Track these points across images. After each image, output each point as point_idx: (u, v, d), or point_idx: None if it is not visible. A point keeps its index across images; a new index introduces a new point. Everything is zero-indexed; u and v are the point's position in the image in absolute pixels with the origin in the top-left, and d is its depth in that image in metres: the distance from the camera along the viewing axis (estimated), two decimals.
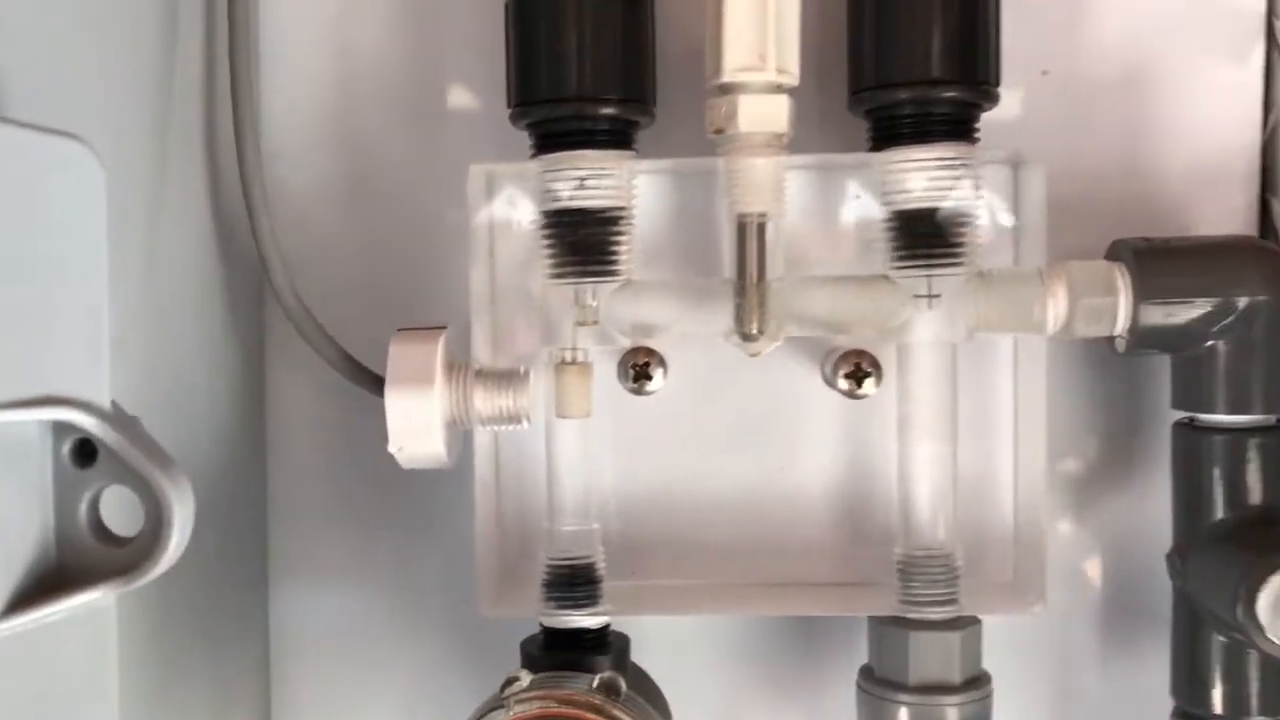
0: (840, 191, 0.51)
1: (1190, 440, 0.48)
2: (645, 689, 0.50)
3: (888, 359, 0.49)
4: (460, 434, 0.49)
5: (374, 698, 0.55)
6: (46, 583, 0.32)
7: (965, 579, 0.48)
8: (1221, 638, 0.47)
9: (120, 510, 0.34)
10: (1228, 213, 0.52)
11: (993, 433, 0.51)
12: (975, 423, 0.50)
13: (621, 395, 0.51)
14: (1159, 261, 0.47)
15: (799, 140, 0.48)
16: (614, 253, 0.48)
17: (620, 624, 0.51)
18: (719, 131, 0.47)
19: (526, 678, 0.46)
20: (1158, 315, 0.47)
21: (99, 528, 0.33)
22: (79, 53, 0.39)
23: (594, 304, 0.48)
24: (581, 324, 0.48)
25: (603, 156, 0.48)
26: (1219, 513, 0.47)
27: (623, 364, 0.49)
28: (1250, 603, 0.44)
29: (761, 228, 0.48)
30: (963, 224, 0.47)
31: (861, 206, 0.50)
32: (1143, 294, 0.47)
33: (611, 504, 0.52)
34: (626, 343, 0.49)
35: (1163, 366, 0.50)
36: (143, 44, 0.44)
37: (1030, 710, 0.53)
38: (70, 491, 0.33)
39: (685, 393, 0.51)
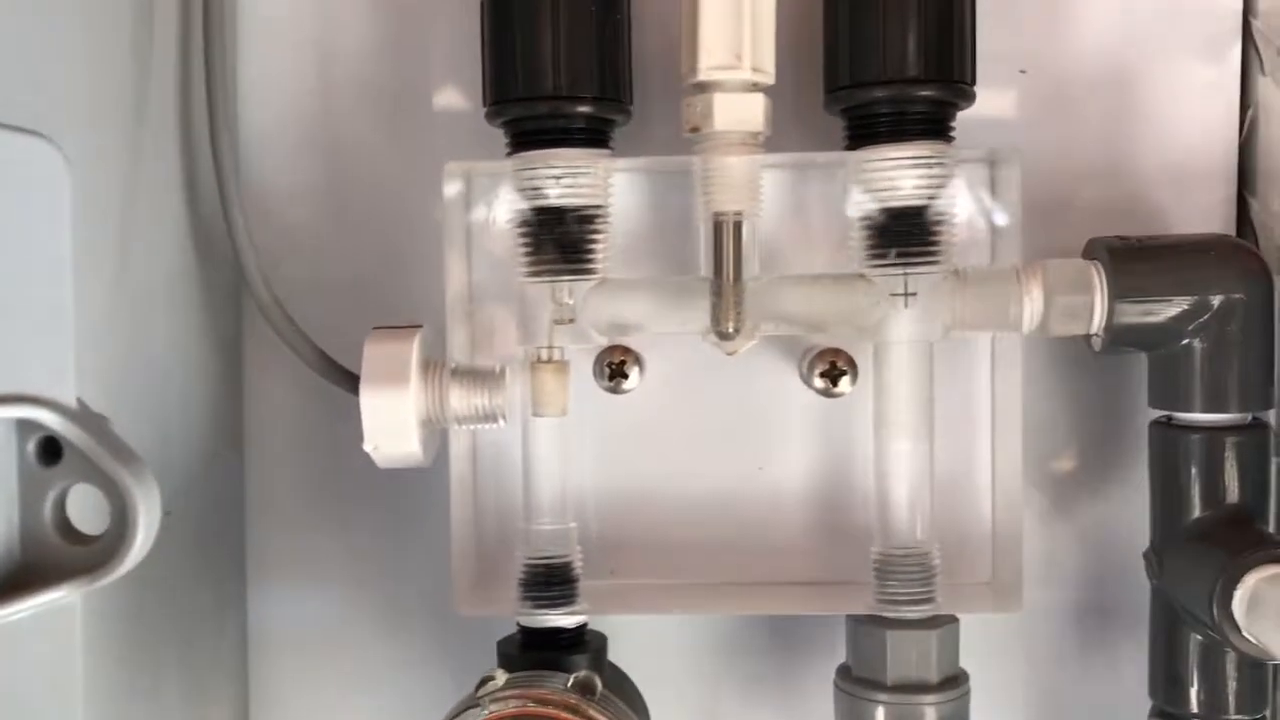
0: (816, 190, 0.51)
1: (1167, 439, 0.48)
2: (623, 688, 0.50)
3: (864, 358, 0.49)
4: (437, 433, 0.49)
5: (351, 696, 0.55)
6: (10, 581, 0.32)
7: (942, 578, 0.48)
8: (1198, 637, 0.47)
9: (87, 509, 0.34)
10: (1205, 211, 0.52)
11: (970, 432, 0.51)
12: (952, 422, 0.50)
13: (598, 394, 0.51)
14: (1134, 260, 0.47)
15: (775, 139, 0.48)
16: (591, 251, 0.48)
17: (598, 623, 0.51)
18: (695, 130, 0.47)
19: (502, 677, 0.46)
20: (1133, 314, 0.47)
21: (64, 526, 0.33)
22: (46, 47, 0.39)
23: (570, 302, 0.48)
24: (558, 322, 0.48)
25: (579, 155, 0.48)
26: (1196, 511, 0.47)
27: (599, 362, 0.49)
28: (1226, 601, 0.44)
29: (738, 226, 0.48)
30: (939, 222, 0.47)
31: (837, 205, 0.50)
32: (1118, 292, 0.47)
33: (589, 503, 0.52)
34: (603, 341, 0.49)
35: (1139, 365, 0.49)
36: (117, 38, 0.44)
37: (1008, 709, 0.53)
38: (35, 490, 0.33)
39: (662, 391, 0.51)
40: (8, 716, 0.33)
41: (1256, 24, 0.51)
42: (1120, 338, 0.47)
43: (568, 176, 0.47)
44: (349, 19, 0.53)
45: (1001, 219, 0.50)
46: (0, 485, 0.32)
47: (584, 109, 0.47)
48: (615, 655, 0.51)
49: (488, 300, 0.51)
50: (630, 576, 0.52)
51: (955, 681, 0.48)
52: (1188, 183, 0.52)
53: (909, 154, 0.47)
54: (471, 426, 0.48)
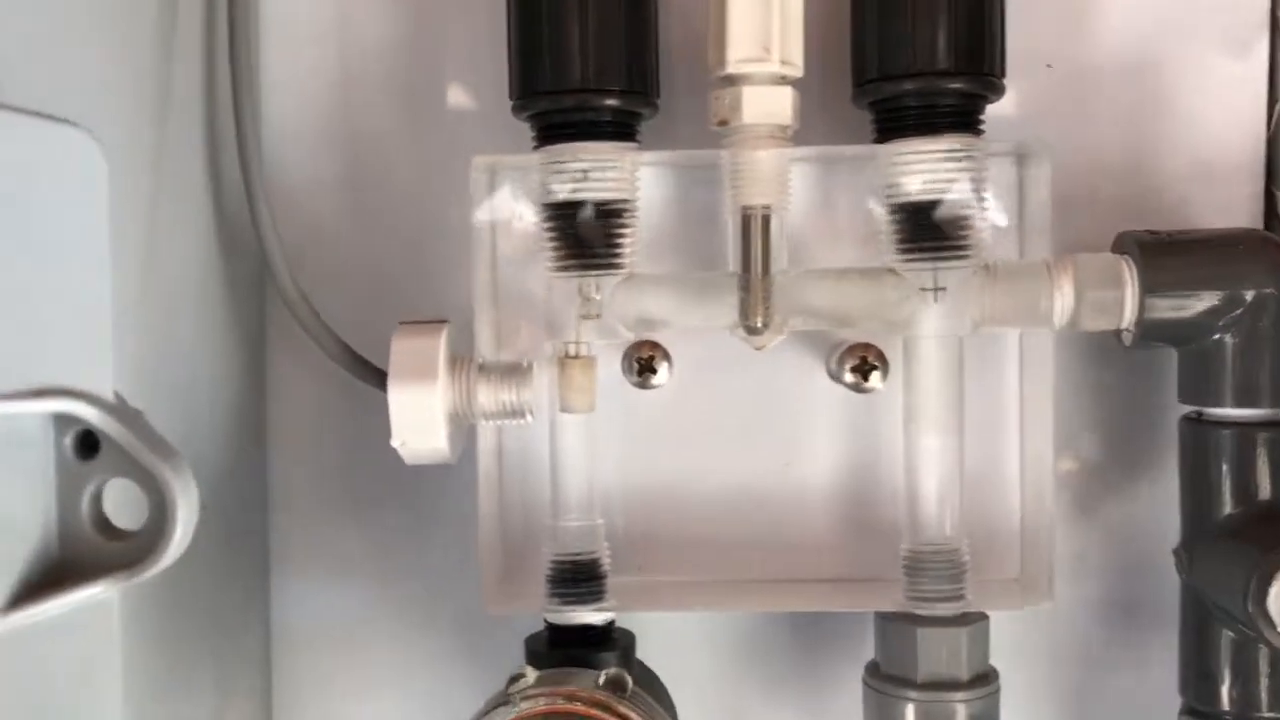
0: (844, 183, 0.51)
1: (1197, 434, 0.48)
2: (651, 685, 0.50)
3: (893, 353, 0.49)
4: (463, 428, 0.49)
5: (376, 693, 0.55)
6: (49, 577, 0.32)
7: (972, 575, 0.48)
8: (1230, 633, 0.47)
9: (123, 503, 0.33)
10: (1232, 206, 0.52)
11: (998, 426, 0.50)
12: (980, 416, 0.50)
13: (625, 389, 0.50)
14: (1165, 254, 0.47)
15: (801, 131, 0.48)
16: (618, 245, 0.48)
17: (624, 620, 0.51)
18: (723, 123, 0.47)
19: (532, 674, 0.45)
20: (1164, 308, 0.47)
21: (102, 521, 0.33)
22: (78, 40, 0.39)
23: (598, 297, 0.48)
24: (585, 318, 0.48)
25: (606, 148, 0.47)
26: (1227, 507, 0.47)
27: (627, 358, 0.48)
28: (1260, 598, 0.43)
29: (766, 220, 0.47)
30: (968, 216, 0.47)
31: (865, 198, 0.50)
32: (1149, 287, 0.47)
33: (616, 499, 0.51)
34: (630, 336, 0.49)
35: (1169, 359, 0.49)
36: (142, 31, 0.44)
37: (1037, 707, 0.53)
38: (72, 484, 0.33)
39: (690, 387, 0.50)
40: (46, 713, 0.32)
41: None
42: (1151, 333, 0.47)
43: (595, 170, 0.47)
44: (372, 14, 0.53)
45: (1001, 219, 0.50)
46: (38, 479, 0.32)
47: (611, 102, 0.47)
48: (641, 652, 0.51)
49: (514, 295, 0.50)
50: (657, 573, 0.51)
51: (985, 679, 0.48)
52: (1214, 177, 0.51)
53: (939, 147, 0.46)
54: (499, 422, 0.48)
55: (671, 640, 0.53)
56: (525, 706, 0.44)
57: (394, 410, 0.46)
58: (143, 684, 0.42)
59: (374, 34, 0.53)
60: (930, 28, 0.46)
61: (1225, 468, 0.47)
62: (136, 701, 0.40)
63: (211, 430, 0.49)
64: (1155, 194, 0.52)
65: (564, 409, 0.48)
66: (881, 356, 0.47)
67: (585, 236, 0.47)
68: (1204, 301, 0.47)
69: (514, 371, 0.47)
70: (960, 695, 0.47)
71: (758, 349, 0.48)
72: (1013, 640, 0.51)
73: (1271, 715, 0.47)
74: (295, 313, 0.49)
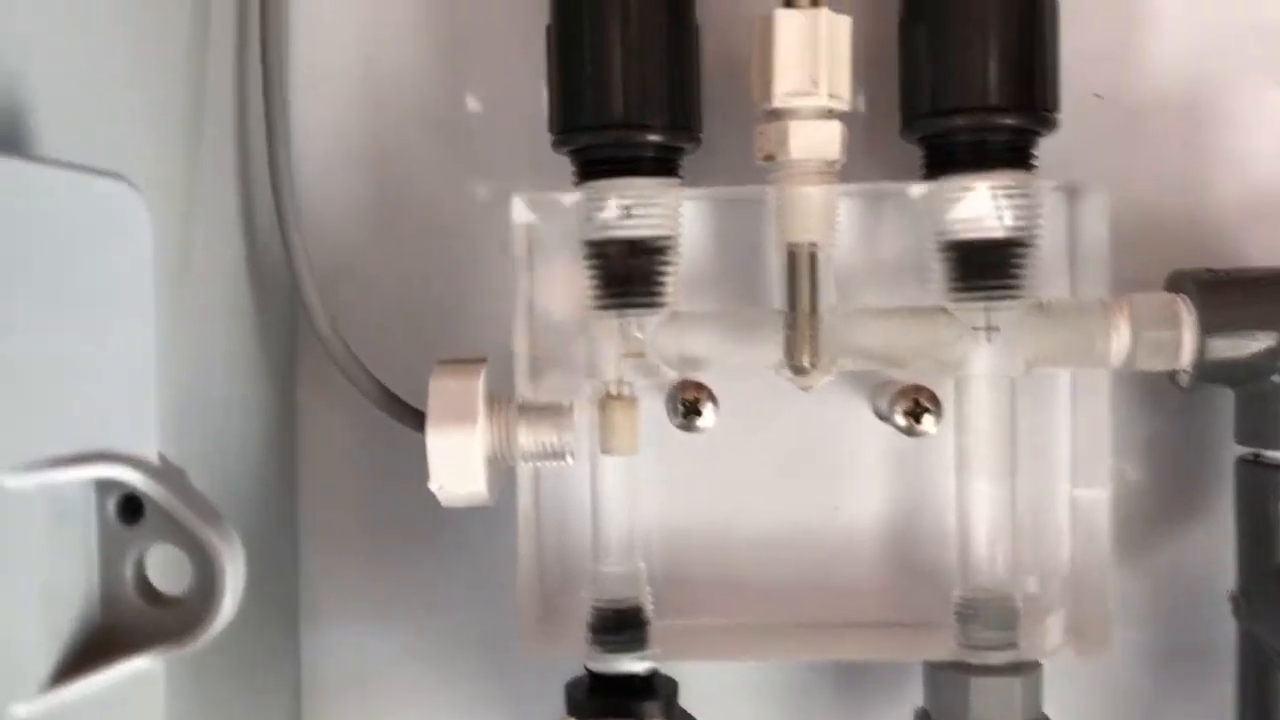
0: (892, 218, 0.49)
1: (1255, 477, 0.47)
2: None
3: (943, 392, 0.47)
4: (501, 470, 0.48)
5: None
6: (93, 648, 0.31)
7: (1024, 621, 0.47)
8: None
9: (166, 567, 0.32)
10: None
11: (1050, 467, 0.49)
12: (1032, 456, 0.48)
13: (666, 428, 0.49)
14: (1224, 293, 0.46)
15: (846, 163, 0.46)
16: (660, 283, 0.47)
17: (667, 664, 0.49)
18: (768, 158, 0.46)
19: None
20: (1223, 349, 0.45)
21: (146, 587, 0.32)
22: (110, 81, 0.38)
23: (640, 335, 0.47)
24: (627, 356, 0.47)
25: (649, 185, 0.46)
26: None
27: (671, 399, 0.47)
28: None
29: (813, 258, 0.46)
30: (1022, 254, 0.46)
31: (911, 233, 0.49)
32: (1208, 327, 0.45)
33: (658, 541, 0.50)
34: (673, 375, 0.48)
35: (1225, 398, 0.48)
36: (174, 69, 0.43)
37: None
38: (116, 550, 0.31)
39: (734, 426, 0.49)
40: None
41: None
42: (1209, 374, 0.46)
43: (638, 207, 0.46)
44: (405, 47, 0.51)
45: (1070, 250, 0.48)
46: (79, 547, 0.31)
47: (654, 137, 0.46)
48: (680, 697, 0.50)
49: (553, 333, 0.49)
50: (701, 616, 0.50)
51: None
52: (1269, 212, 0.50)
53: (991, 184, 0.45)
54: (538, 464, 0.47)
55: (714, 687, 0.51)
56: None
57: (432, 454, 0.45)
58: None
59: (407, 67, 0.52)
60: (983, 61, 0.45)
61: None
62: None
63: (241, 470, 0.48)
64: (1207, 228, 0.50)
65: (605, 451, 0.47)
66: (934, 399, 0.46)
67: (627, 274, 0.46)
68: (1263, 341, 0.45)
69: (554, 412, 0.46)
70: None
71: (805, 389, 0.47)
72: (1062, 688, 0.49)
73: None
74: (329, 350, 0.48)
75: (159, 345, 0.40)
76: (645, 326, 0.47)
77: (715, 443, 0.49)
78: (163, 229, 0.41)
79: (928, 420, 0.46)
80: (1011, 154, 0.46)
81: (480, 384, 0.45)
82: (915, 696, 0.49)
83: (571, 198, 0.47)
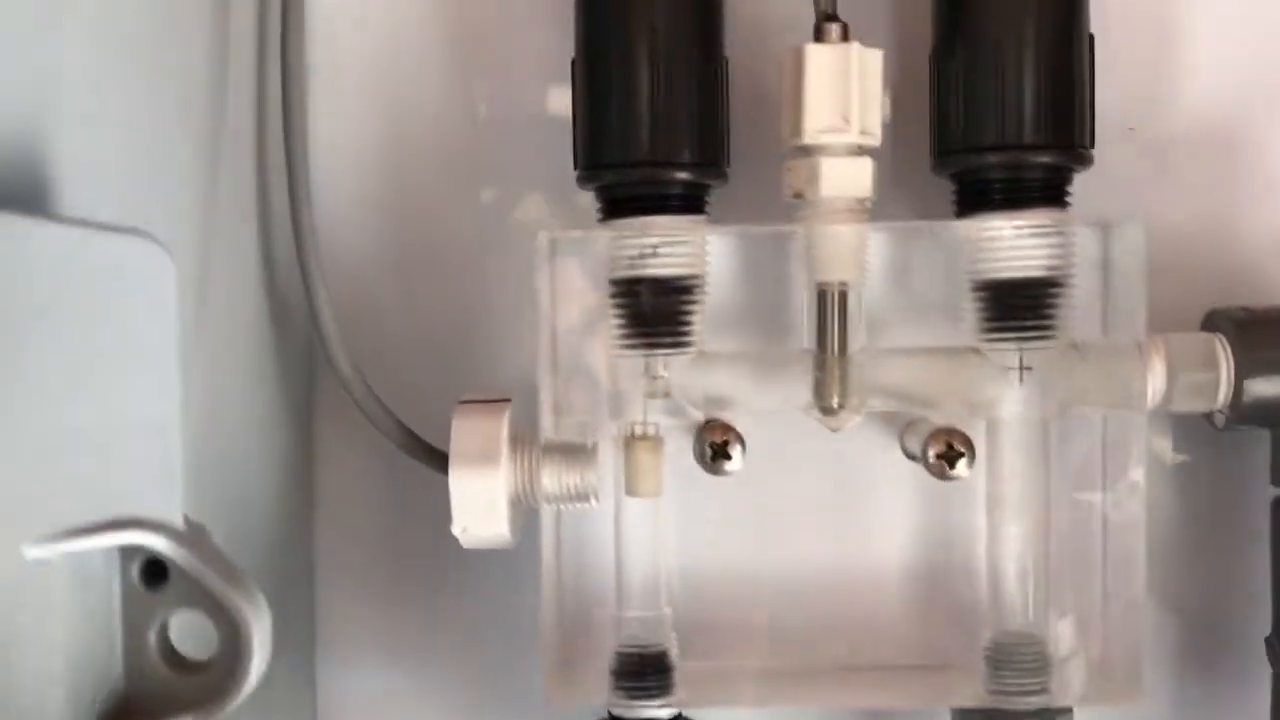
0: (923, 256, 0.48)
1: None
2: None
3: (976, 434, 0.46)
4: (524, 511, 0.47)
5: None
6: (117, 718, 0.30)
7: (1056, 666, 0.46)
8: None
9: (188, 631, 0.31)
10: None
11: (1083, 509, 0.48)
12: (1065, 499, 0.48)
13: (692, 468, 0.48)
14: (1262, 333, 0.45)
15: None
16: (687, 322, 0.46)
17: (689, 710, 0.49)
18: (798, 196, 0.45)
19: None
20: (1261, 390, 0.45)
21: (170, 654, 0.31)
22: (131, 127, 0.37)
23: (665, 375, 0.46)
24: (652, 396, 0.46)
25: (676, 223, 0.45)
26: None
27: (699, 442, 0.46)
28: None
29: (843, 297, 0.45)
30: (1056, 294, 0.45)
31: (941, 270, 0.48)
32: (1245, 368, 0.44)
33: (681, 583, 0.49)
34: (699, 416, 0.47)
35: (1259, 438, 0.47)
36: (193, 112, 0.42)
37: None
38: (139, 615, 0.31)
39: (760, 466, 0.48)
40: None
41: None
42: (1246, 415, 0.45)
43: (664, 245, 0.45)
44: (425, 86, 0.51)
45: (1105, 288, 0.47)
46: (103, 612, 0.30)
47: (682, 175, 0.45)
48: None
49: (578, 373, 0.48)
50: (726, 658, 0.49)
51: None
52: None
53: (1025, 223, 0.44)
54: (562, 506, 0.46)
55: None
56: None
57: (455, 496, 0.44)
58: None
59: (428, 104, 0.51)
60: (1017, 97, 0.44)
61: None
62: None
63: (260, 511, 0.47)
64: (1240, 265, 0.49)
65: (630, 493, 0.46)
66: (968, 442, 0.45)
67: (653, 313, 0.45)
68: None
69: (578, 453, 0.45)
70: None
71: (833, 430, 0.46)
72: None
73: None
74: (350, 390, 0.47)
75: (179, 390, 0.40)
76: (671, 366, 0.46)
77: (742, 483, 0.48)
78: (182, 271, 0.40)
79: (961, 465, 0.45)
80: (1046, 192, 0.45)
81: (504, 425, 0.44)
82: None
83: (597, 236, 0.46)
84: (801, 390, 0.46)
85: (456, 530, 0.44)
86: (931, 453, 0.45)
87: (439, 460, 0.45)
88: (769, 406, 0.46)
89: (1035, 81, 0.44)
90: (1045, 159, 0.44)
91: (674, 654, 0.47)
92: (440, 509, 0.44)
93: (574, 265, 0.48)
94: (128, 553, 0.31)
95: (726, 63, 0.47)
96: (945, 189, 0.47)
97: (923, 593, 0.50)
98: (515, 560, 0.48)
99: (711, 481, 0.48)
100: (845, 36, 0.44)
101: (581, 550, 0.49)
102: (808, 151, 0.45)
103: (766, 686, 0.49)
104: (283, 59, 0.46)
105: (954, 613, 0.49)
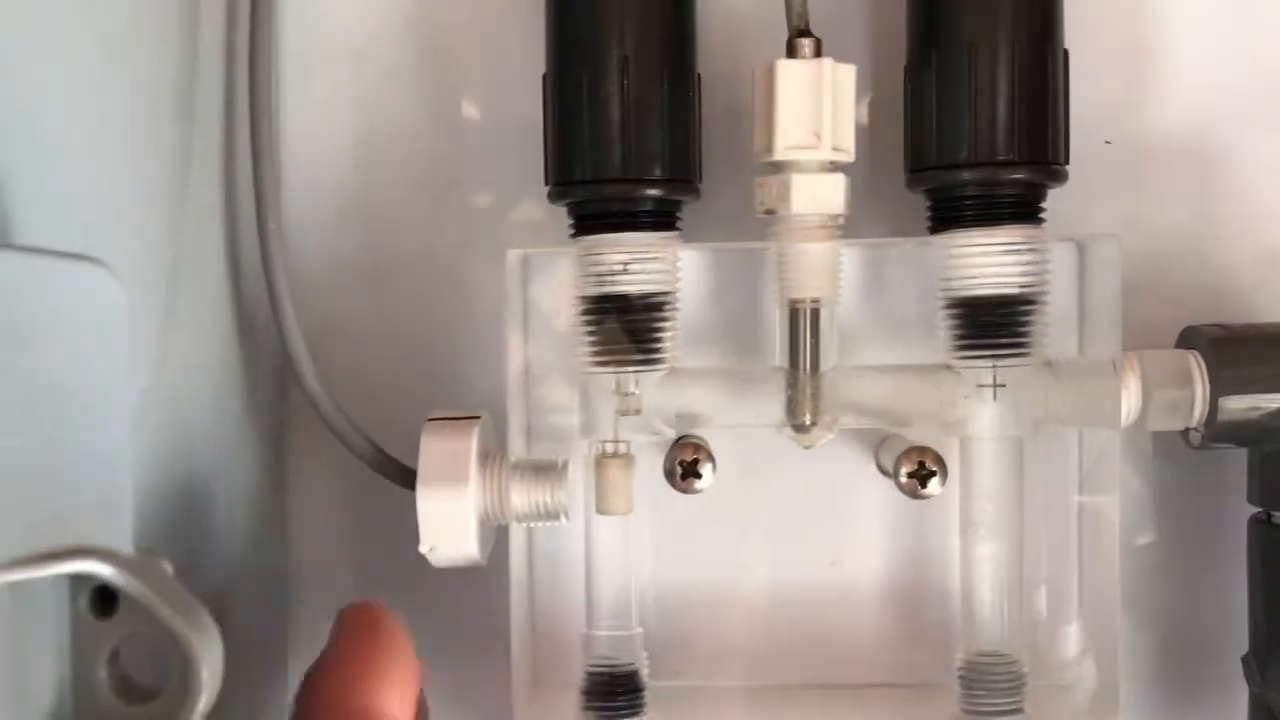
0: (896, 272, 0.48)
1: (1268, 538, 0.46)
2: None
3: (949, 453, 0.46)
4: (494, 529, 0.47)
5: None
6: None
7: (1030, 684, 0.46)
8: None
9: (142, 657, 0.31)
10: None
11: (1058, 528, 0.48)
12: (1039, 517, 0.47)
13: (664, 486, 0.48)
14: (1238, 351, 0.45)
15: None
16: (659, 339, 0.45)
17: None
18: (769, 212, 0.45)
19: None
20: (1237, 409, 0.44)
21: (121, 683, 0.31)
22: (94, 154, 0.36)
23: (637, 392, 0.45)
24: (624, 414, 0.46)
25: (647, 239, 0.45)
26: None
27: (669, 459, 0.46)
28: None
29: (815, 314, 0.45)
30: (1030, 311, 0.44)
31: (915, 286, 0.48)
32: (1221, 386, 0.44)
33: (653, 600, 0.49)
34: (671, 434, 0.46)
35: (1237, 456, 0.47)
36: (161, 134, 0.41)
37: None
38: (89, 644, 0.30)
39: (732, 484, 0.48)
40: None
41: None
42: (1221, 434, 0.45)
43: (635, 262, 0.45)
44: (396, 101, 0.50)
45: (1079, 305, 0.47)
46: (50, 643, 0.30)
47: (653, 191, 0.45)
48: None
49: (548, 390, 0.48)
50: (696, 677, 0.49)
51: None
52: None
53: (999, 240, 0.44)
54: (532, 524, 0.45)
55: None
56: None
57: (423, 515, 0.43)
58: None
59: (398, 119, 0.50)
60: (990, 114, 0.44)
61: None
62: None
63: (232, 530, 0.47)
64: (1218, 281, 0.49)
65: (601, 511, 0.46)
66: (940, 461, 0.45)
67: (625, 330, 0.45)
68: (1278, 402, 0.44)
69: (549, 471, 0.45)
70: None
71: (806, 448, 0.46)
72: None
73: None
74: (318, 407, 0.46)
75: (146, 408, 0.40)
76: (643, 383, 0.45)
77: (714, 501, 0.48)
78: (148, 293, 0.40)
79: (933, 484, 0.44)
80: (1020, 208, 0.44)
81: (473, 443, 0.44)
82: None
83: (568, 252, 0.46)
84: (774, 408, 0.45)
85: (424, 549, 0.44)
86: (903, 472, 0.45)
87: (409, 478, 0.44)
88: (741, 424, 0.46)
89: (1009, 98, 0.44)
90: (1019, 175, 0.44)
91: (645, 673, 0.46)
92: (413, 526, 0.43)
93: (545, 282, 0.47)
94: (77, 581, 0.30)
95: (699, 78, 0.46)
96: (922, 205, 0.46)
97: (897, 611, 0.49)
98: (486, 578, 0.47)
99: (685, 499, 0.48)
100: (818, 52, 0.44)
101: (552, 568, 0.49)
102: (779, 168, 0.44)
103: (739, 706, 0.48)
104: (250, 71, 0.45)
105: (929, 631, 0.49)
